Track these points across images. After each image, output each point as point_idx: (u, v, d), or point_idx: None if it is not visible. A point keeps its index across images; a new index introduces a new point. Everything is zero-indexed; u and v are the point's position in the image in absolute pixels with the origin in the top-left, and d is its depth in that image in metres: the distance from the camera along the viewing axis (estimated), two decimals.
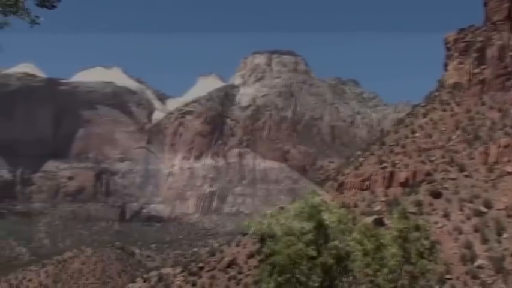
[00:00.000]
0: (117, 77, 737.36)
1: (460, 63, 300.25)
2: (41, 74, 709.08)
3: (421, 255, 41.57)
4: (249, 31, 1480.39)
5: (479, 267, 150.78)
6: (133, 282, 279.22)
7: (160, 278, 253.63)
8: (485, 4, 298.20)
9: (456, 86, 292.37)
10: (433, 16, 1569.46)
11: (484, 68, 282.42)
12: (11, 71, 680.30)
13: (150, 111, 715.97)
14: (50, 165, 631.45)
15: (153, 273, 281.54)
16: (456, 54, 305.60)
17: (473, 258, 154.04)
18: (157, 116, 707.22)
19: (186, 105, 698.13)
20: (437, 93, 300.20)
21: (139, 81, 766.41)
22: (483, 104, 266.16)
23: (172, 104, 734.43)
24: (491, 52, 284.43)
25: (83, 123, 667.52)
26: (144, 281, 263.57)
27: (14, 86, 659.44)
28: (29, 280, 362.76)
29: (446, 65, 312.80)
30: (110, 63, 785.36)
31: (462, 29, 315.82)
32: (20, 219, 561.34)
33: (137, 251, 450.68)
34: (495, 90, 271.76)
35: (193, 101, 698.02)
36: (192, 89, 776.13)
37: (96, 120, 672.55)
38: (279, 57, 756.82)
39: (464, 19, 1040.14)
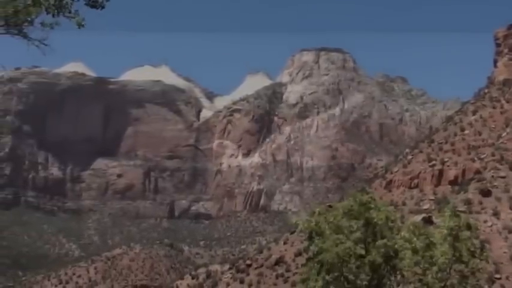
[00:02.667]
0: (166, 75, 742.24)
1: (510, 59, 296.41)
2: (90, 73, 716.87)
3: (472, 254, 41.19)
4: (296, 30, 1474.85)
5: None
6: (182, 279, 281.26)
7: (208, 275, 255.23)
8: None
9: (506, 82, 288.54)
10: (483, 12, 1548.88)
11: None
12: (61, 71, 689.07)
13: (198, 109, 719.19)
14: (99, 163, 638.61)
15: (201, 270, 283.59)
16: (506, 50, 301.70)
17: None
18: (206, 114, 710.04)
19: (234, 103, 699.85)
20: (486, 90, 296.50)
21: (187, 79, 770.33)
22: None
23: (221, 102, 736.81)
24: None
25: (132, 122, 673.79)
26: (192, 278, 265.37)
27: (64, 85, 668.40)
28: (79, 276, 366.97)
29: (495, 61, 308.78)
30: (158, 62, 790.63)
31: None
32: (70, 217, 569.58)
33: (186, 248, 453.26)
34: None
35: (241, 99, 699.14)
36: (240, 87, 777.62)
37: (144, 119, 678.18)
38: (326, 55, 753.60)
39: None
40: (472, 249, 41.28)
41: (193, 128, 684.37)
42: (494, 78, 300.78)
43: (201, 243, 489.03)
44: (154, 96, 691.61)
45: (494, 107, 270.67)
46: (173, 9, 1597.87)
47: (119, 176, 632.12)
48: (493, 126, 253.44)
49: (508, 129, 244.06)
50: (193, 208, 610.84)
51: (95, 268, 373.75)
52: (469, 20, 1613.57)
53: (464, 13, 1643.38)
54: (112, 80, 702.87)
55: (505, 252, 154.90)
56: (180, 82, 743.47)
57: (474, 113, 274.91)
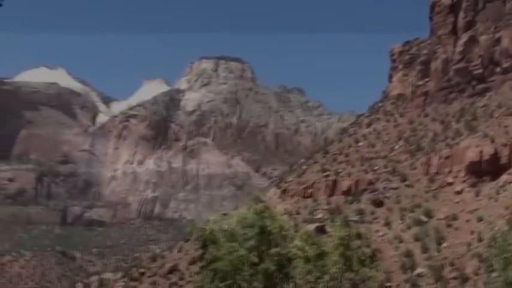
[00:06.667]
0: (62, 78, 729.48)
1: (404, 75, 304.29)
2: None
3: (362, 263, 41.93)
4: (196, 32, 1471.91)
5: (419, 275, 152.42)
6: (74, 287, 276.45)
7: (101, 283, 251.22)
8: (431, 18, 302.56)
9: (400, 97, 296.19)
10: (379, 28, 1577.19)
11: (428, 81, 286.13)
12: None
13: (94, 113, 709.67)
14: None
15: (94, 278, 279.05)
16: (401, 66, 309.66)
17: (413, 267, 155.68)
18: (102, 118, 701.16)
19: (131, 108, 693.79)
20: (381, 104, 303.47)
21: (84, 83, 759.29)
22: (426, 115, 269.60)
23: (117, 107, 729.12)
24: (435, 65, 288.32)
25: (26, 124, 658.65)
26: (85, 286, 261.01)
27: None
28: None
29: (390, 76, 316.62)
30: (54, 64, 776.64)
31: (407, 42, 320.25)
32: None
33: (78, 255, 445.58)
34: (438, 102, 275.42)
35: (138, 105, 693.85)
36: (138, 93, 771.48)
37: (39, 122, 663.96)
38: (226, 63, 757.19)
39: (411, 31, 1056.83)
40: (363, 258, 42.04)
41: (89, 132, 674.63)
42: (388, 93, 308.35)
43: (94, 250, 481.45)
44: (49, 99, 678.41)
45: (388, 121, 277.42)
46: (69, 9, 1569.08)
47: (11, 180, 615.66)
48: (386, 139, 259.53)
49: (400, 142, 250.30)
50: (86, 214, 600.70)
51: None
52: (366, 37, 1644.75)
53: (362, 26, 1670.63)
54: (6, 80, 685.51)
55: (395, 261, 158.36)
56: (76, 85, 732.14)
57: (368, 125, 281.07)
